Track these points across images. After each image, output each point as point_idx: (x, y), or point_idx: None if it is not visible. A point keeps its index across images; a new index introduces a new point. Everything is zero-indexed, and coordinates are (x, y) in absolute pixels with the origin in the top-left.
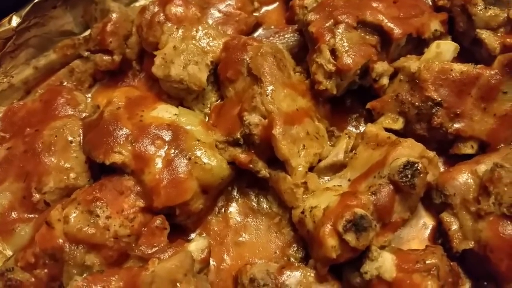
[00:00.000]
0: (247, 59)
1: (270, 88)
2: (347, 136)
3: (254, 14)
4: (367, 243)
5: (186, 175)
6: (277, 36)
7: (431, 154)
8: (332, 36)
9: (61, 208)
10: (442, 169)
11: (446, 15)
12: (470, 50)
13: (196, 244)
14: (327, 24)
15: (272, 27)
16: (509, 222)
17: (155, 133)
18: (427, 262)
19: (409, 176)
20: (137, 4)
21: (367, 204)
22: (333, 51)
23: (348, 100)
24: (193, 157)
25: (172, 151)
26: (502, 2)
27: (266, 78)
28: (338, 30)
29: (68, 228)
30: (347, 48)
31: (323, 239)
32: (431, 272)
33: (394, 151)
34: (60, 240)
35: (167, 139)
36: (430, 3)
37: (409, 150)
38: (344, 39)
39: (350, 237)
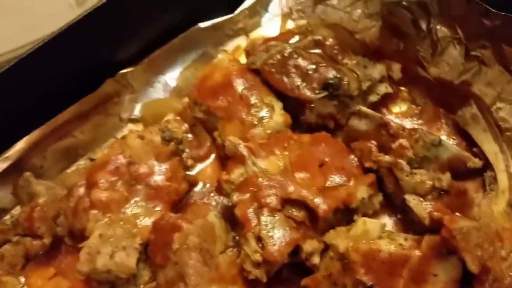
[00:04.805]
0: (174, 248)
1: None
2: None
3: (188, 172)
4: None
5: None
6: (212, 195)
7: None
8: (257, 223)
9: None
10: None
11: (373, 177)
12: (403, 209)
13: None
14: (251, 208)
15: (208, 185)
16: None
17: None
18: None
19: None
20: (69, 170)
21: None
22: (259, 239)
23: (284, 271)
24: None
25: None
26: (427, 161)
27: (190, 279)
28: (262, 217)
29: None
30: (272, 236)
31: None
32: None
33: None
34: None
35: None
36: (358, 163)
37: None
38: (269, 225)
39: None
